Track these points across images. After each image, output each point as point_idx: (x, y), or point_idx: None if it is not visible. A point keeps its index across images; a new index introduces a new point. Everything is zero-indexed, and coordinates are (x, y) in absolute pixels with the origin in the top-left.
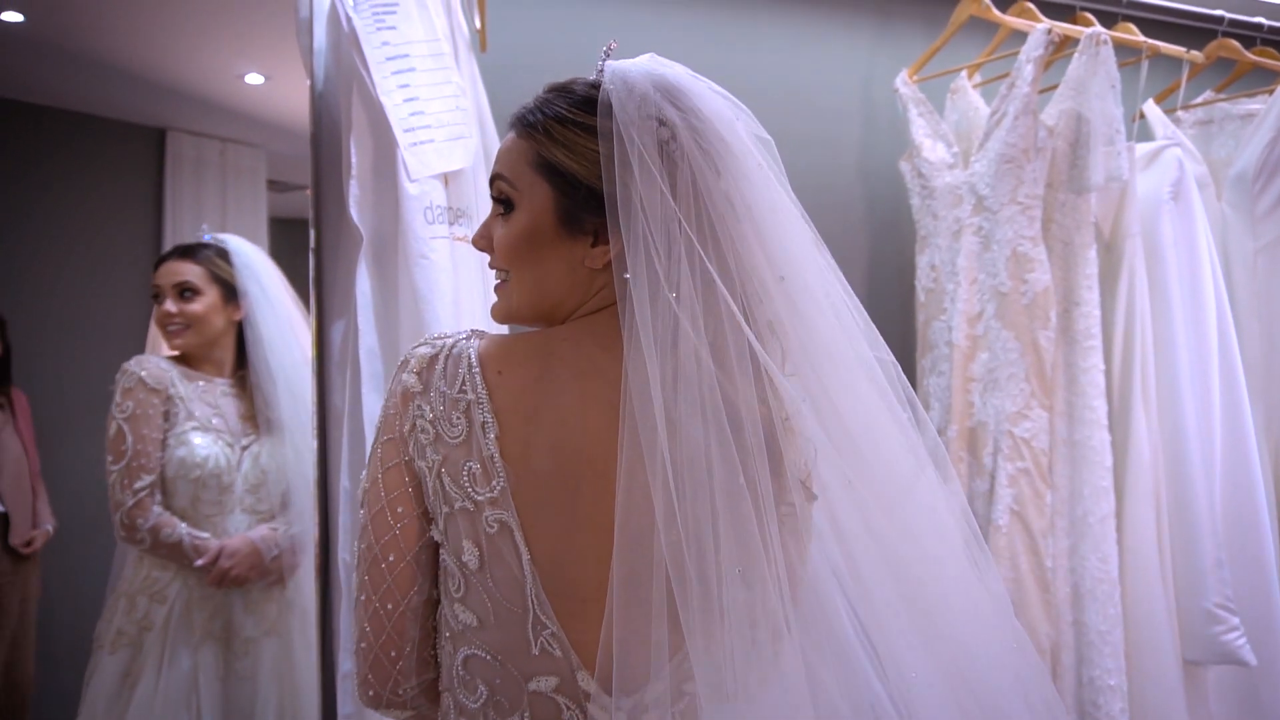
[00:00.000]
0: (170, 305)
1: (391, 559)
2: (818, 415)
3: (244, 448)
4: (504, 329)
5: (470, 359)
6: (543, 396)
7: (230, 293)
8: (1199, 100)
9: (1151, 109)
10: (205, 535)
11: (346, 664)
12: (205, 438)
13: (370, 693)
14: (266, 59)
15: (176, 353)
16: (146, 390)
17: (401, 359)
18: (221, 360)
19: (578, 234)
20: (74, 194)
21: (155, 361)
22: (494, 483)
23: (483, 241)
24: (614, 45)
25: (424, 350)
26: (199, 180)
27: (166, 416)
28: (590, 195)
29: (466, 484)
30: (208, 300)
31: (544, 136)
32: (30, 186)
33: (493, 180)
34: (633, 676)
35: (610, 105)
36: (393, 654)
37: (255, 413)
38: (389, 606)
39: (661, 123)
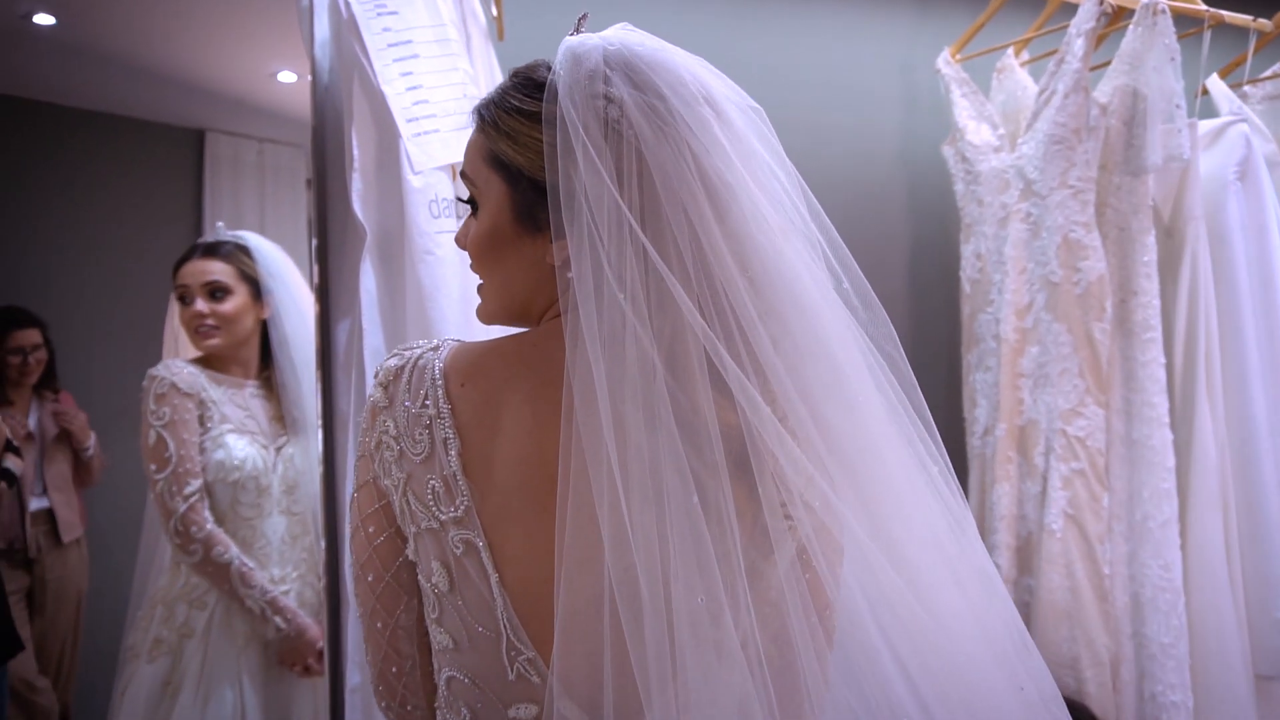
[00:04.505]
0: (201, 305)
1: (371, 579)
2: (792, 424)
3: (278, 449)
4: (495, 331)
5: (434, 372)
6: (506, 408)
7: (257, 291)
8: (1268, 74)
9: (1215, 83)
10: (252, 565)
11: (355, 677)
12: (241, 440)
13: (383, 704)
14: (297, 57)
15: (200, 354)
16: (180, 395)
17: (374, 370)
18: (248, 360)
19: (535, 231)
20: (113, 196)
21: (182, 365)
22: (458, 501)
23: (463, 241)
24: (585, 16)
25: (392, 363)
26: (237, 180)
27: (201, 421)
28: (534, 188)
29: (431, 503)
30: (238, 300)
31: (492, 129)
32: (69, 189)
33: (461, 177)
34: (599, 710)
35: (556, 87)
36: (394, 670)
37: (284, 413)
38: (378, 625)
39: (609, 99)
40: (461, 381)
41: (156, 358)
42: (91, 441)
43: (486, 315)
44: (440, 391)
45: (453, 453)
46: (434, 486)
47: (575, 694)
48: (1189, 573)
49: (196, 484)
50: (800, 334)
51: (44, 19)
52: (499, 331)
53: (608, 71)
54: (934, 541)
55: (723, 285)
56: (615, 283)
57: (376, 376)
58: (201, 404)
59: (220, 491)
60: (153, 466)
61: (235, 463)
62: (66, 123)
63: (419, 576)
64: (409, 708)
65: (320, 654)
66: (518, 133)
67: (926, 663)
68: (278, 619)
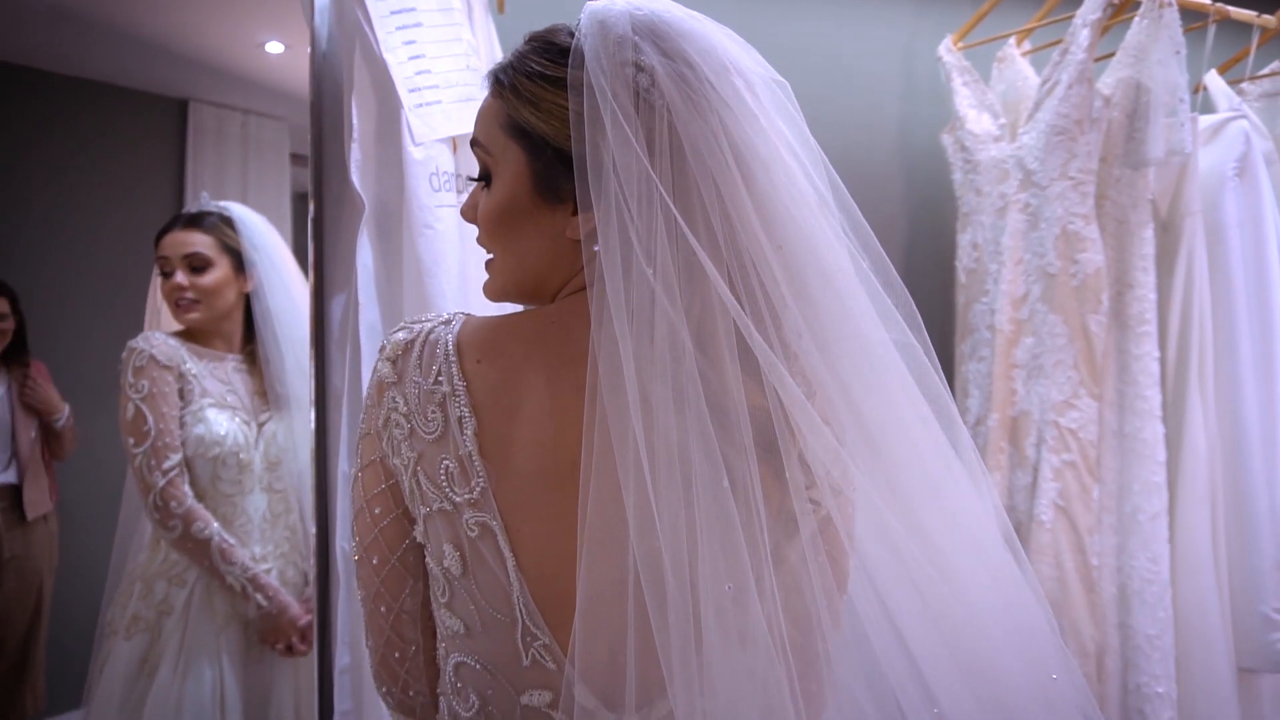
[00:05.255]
0: (181, 278)
1: (376, 561)
2: (821, 404)
3: (260, 425)
4: (500, 308)
5: (447, 346)
6: (525, 387)
7: (240, 263)
8: (1266, 71)
9: (1214, 80)
10: (233, 542)
11: (344, 658)
12: (222, 414)
13: (383, 689)
14: (285, 27)
15: (182, 328)
16: (159, 368)
17: (380, 344)
18: (231, 334)
19: (556, 203)
20: (93, 165)
21: (162, 338)
22: (473, 482)
23: (471, 213)
24: None
25: (400, 336)
26: (221, 152)
27: (181, 394)
28: (559, 158)
29: (444, 484)
30: (219, 272)
31: (511, 94)
32: (49, 156)
33: (472, 146)
34: (615, 696)
35: (582, 53)
36: (396, 655)
37: (266, 388)
38: (382, 609)
39: (639, 68)
40: (477, 358)
41: (137, 330)
42: (65, 413)
43: (496, 292)
44: (454, 367)
45: (468, 432)
46: (448, 467)
47: (591, 679)
48: (1176, 566)
49: (176, 459)
50: (830, 312)
51: None
52: (501, 309)
53: (636, 39)
54: (963, 527)
55: (753, 261)
56: (644, 258)
57: (383, 351)
58: (181, 377)
59: (200, 467)
60: (131, 440)
61: (216, 438)
62: (45, 89)
63: (428, 559)
64: (411, 693)
65: (303, 633)
66: (541, 99)
67: (955, 650)
68: (259, 596)
